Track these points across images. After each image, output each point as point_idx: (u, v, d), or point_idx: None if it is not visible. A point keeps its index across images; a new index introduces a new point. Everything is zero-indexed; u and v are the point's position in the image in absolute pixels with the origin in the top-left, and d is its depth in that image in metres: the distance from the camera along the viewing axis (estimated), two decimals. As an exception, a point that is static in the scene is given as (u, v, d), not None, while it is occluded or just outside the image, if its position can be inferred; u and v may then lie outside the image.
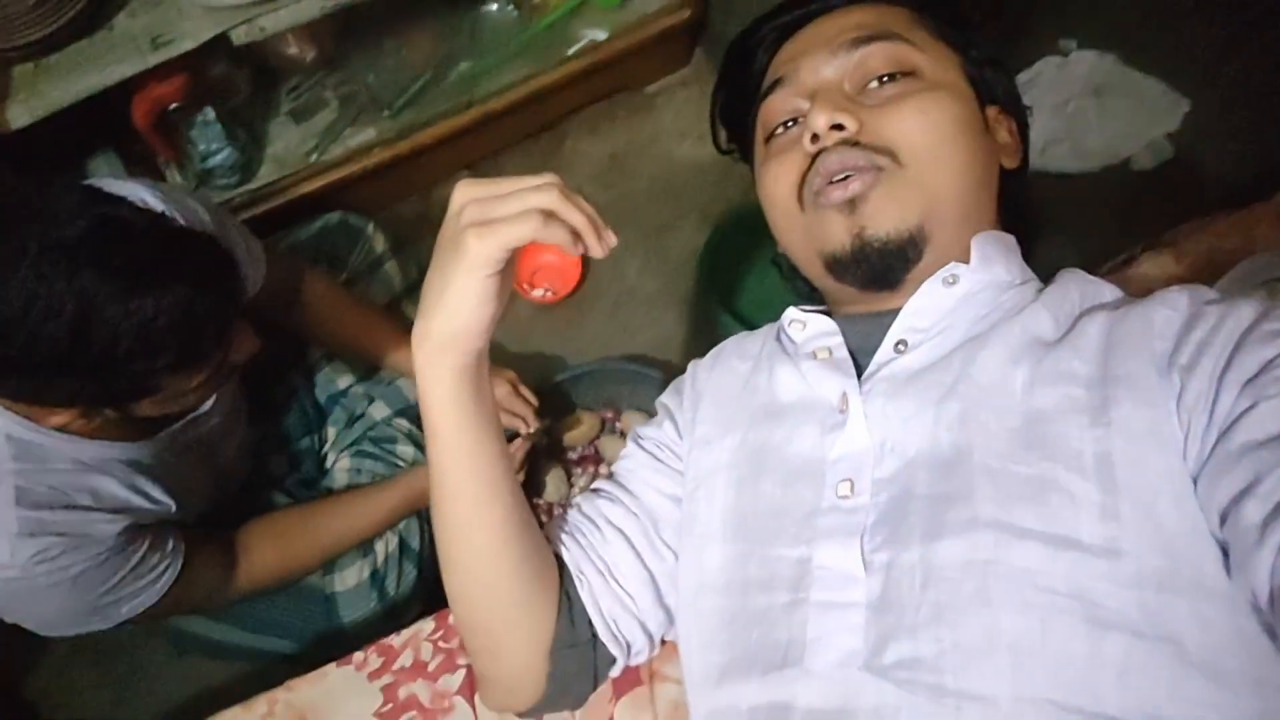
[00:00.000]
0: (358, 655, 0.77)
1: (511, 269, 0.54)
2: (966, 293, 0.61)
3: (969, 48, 0.68)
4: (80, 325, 0.69)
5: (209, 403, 0.96)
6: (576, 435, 1.34)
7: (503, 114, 1.59)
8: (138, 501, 0.89)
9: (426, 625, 0.79)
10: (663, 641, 0.70)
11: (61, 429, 0.80)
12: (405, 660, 0.77)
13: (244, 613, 1.09)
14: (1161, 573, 0.47)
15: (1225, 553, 0.47)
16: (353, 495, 1.13)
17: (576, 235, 0.51)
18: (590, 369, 1.38)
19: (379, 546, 1.15)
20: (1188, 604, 0.46)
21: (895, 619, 0.51)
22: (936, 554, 0.51)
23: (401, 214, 1.66)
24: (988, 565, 0.49)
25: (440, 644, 0.78)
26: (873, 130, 0.61)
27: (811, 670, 0.53)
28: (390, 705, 0.76)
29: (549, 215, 0.50)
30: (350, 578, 1.12)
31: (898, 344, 0.61)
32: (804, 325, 0.68)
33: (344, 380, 1.27)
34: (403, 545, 1.16)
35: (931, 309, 0.61)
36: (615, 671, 0.68)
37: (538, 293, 1.59)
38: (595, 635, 0.65)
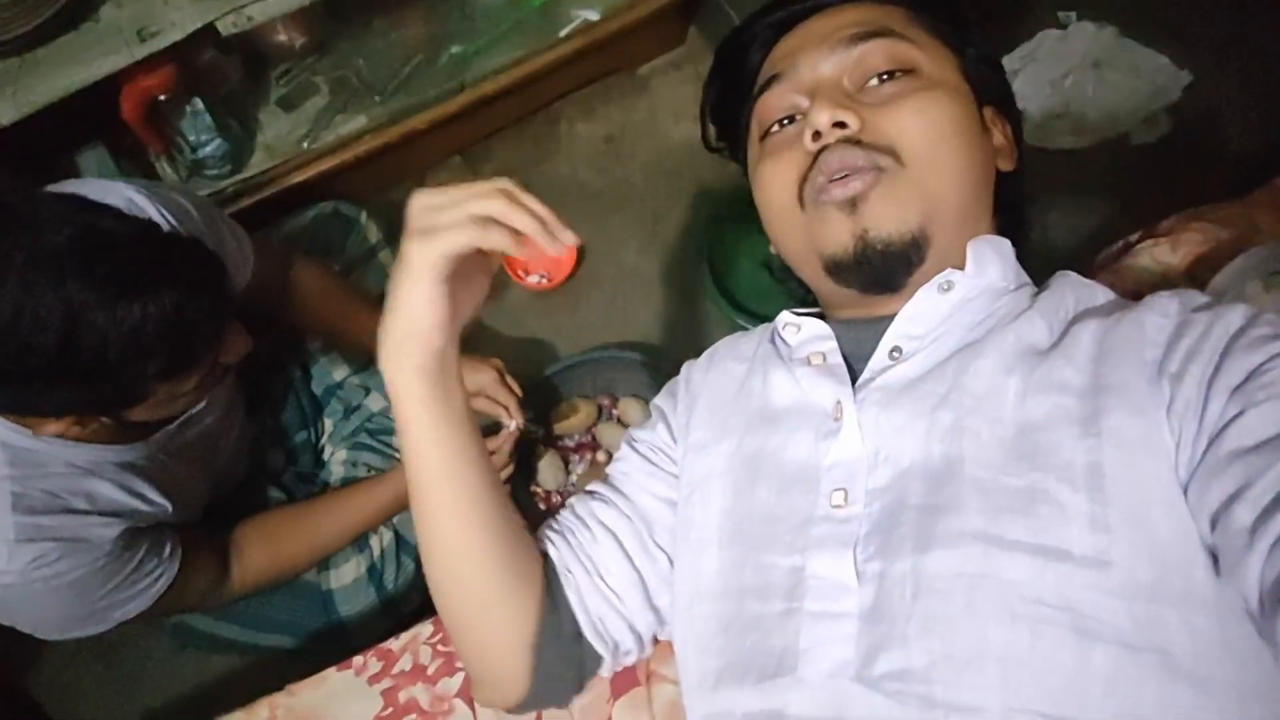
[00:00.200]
0: (357, 659, 0.78)
1: (478, 271, 0.59)
2: (961, 299, 0.60)
3: (965, 46, 0.67)
4: (69, 335, 0.69)
5: (203, 402, 0.96)
6: (573, 423, 1.35)
7: (495, 97, 1.58)
8: (134, 504, 0.89)
9: (425, 629, 0.79)
10: (655, 642, 0.71)
11: (57, 436, 0.80)
12: (404, 664, 0.78)
13: (242, 610, 1.10)
14: (1151, 583, 0.47)
15: (1215, 559, 0.47)
16: (345, 492, 1.13)
17: (522, 238, 0.54)
18: (585, 358, 1.38)
19: (374, 542, 1.16)
20: (1177, 614, 0.47)
21: (886, 630, 0.51)
22: (927, 565, 0.51)
23: (395, 201, 1.65)
24: (977, 577, 0.49)
25: (439, 648, 0.79)
26: (874, 128, 0.60)
27: (804, 680, 0.53)
28: (390, 709, 0.77)
29: (489, 221, 0.52)
30: (347, 574, 1.13)
31: (892, 351, 0.61)
32: (798, 329, 0.67)
33: (340, 372, 1.27)
34: (399, 539, 1.17)
35: (926, 316, 0.61)
36: (604, 671, 0.68)
37: (533, 279, 1.59)
38: (580, 632, 0.66)
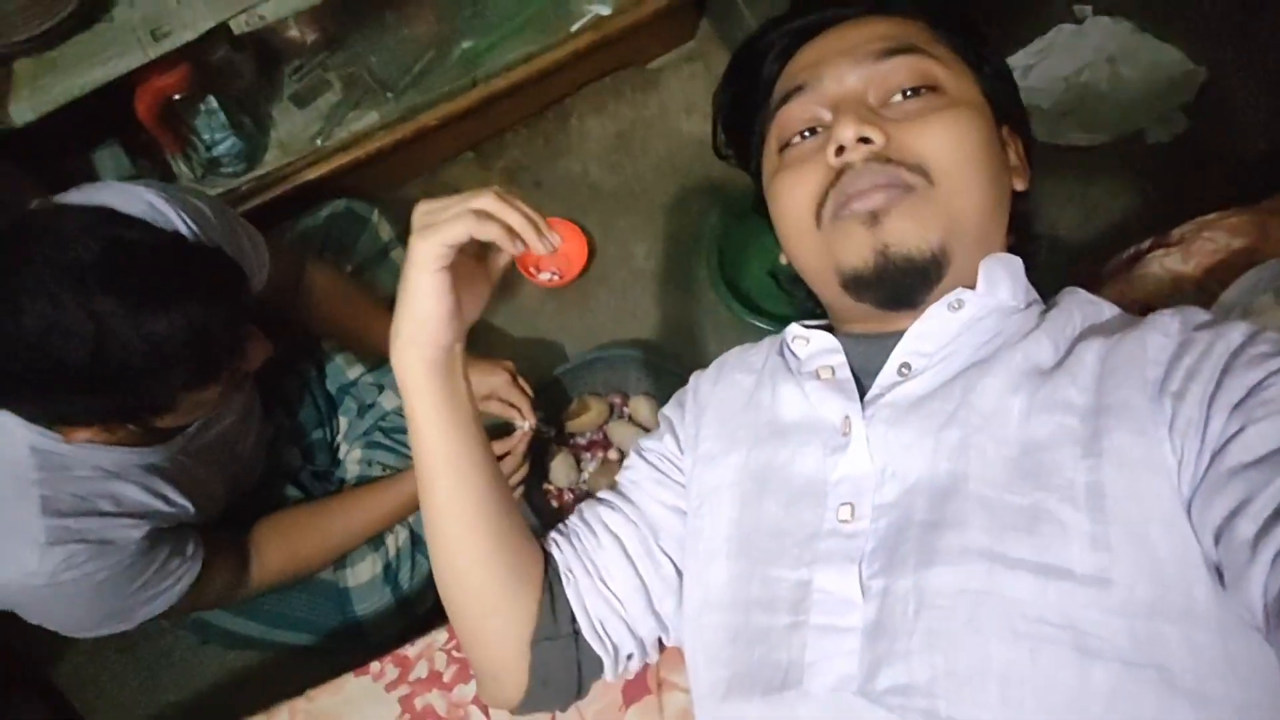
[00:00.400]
0: (374, 665, 0.80)
1: (481, 272, 0.64)
2: (971, 318, 0.61)
3: (983, 63, 0.67)
4: (97, 348, 0.71)
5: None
6: (585, 421, 1.36)
7: (506, 93, 1.58)
8: (157, 505, 0.91)
9: (440, 636, 0.81)
10: (661, 648, 0.71)
11: (85, 441, 0.81)
12: (421, 671, 0.79)
13: (260, 607, 1.12)
14: (1151, 600, 0.48)
15: (1220, 575, 0.48)
16: (361, 491, 1.15)
17: (514, 234, 0.58)
18: (596, 356, 1.39)
19: (390, 540, 1.17)
20: (1177, 631, 0.47)
21: (889, 645, 0.52)
22: (930, 582, 0.52)
23: (408, 197, 1.66)
24: (979, 595, 0.50)
25: (454, 654, 0.80)
26: (901, 145, 0.60)
27: (810, 693, 0.54)
28: (408, 716, 0.78)
29: (484, 215, 0.56)
30: (363, 572, 1.15)
31: (901, 367, 0.61)
32: (807, 341, 0.68)
33: (354, 370, 1.28)
34: (414, 537, 1.18)
35: (936, 334, 0.61)
36: (607, 675, 0.69)
37: (544, 276, 1.59)
38: (578, 633, 0.67)
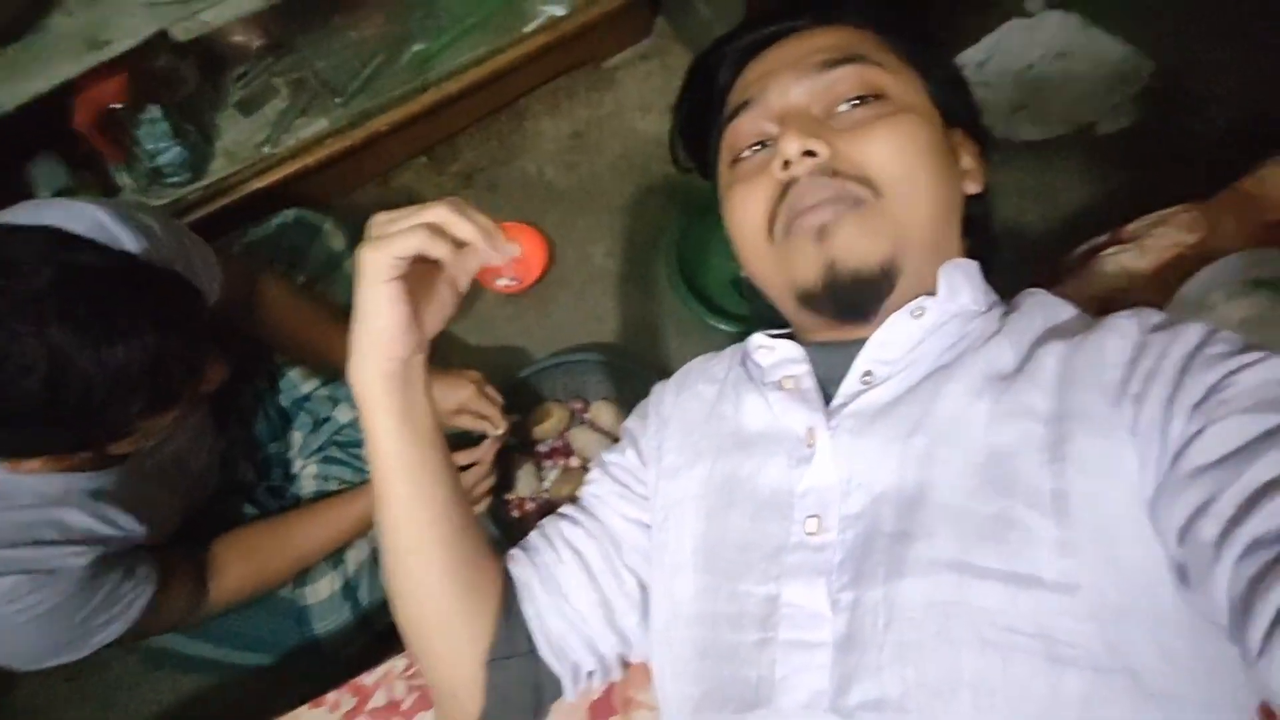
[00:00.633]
0: (331, 696, 0.77)
1: (443, 285, 0.61)
2: (933, 324, 0.60)
3: (932, 68, 0.67)
4: (53, 379, 0.69)
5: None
6: (546, 428, 1.34)
7: (460, 95, 1.55)
8: (106, 530, 0.88)
9: (399, 663, 0.79)
10: (624, 666, 0.70)
11: (33, 472, 0.79)
12: (379, 699, 0.77)
13: (216, 628, 1.09)
14: (1119, 604, 0.48)
15: (1184, 576, 0.48)
16: (321, 506, 1.12)
17: (465, 247, 0.57)
18: (556, 361, 1.37)
19: (350, 556, 1.15)
20: (1146, 634, 0.47)
21: (859, 659, 0.51)
22: (899, 593, 0.51)
23: (359, 203, 1.63)
24: (949, 605, 0.50)
25: (414, 682, 0.78)
26: (846, 156, 0.60)
27: (781, 711, 0.53)
28: (367, 746, 0.76)
29: (436, 229, 0.55)
30: (322, 589, 1.12)
31: (864, 375, 0.61)
32: (770, 350, 0.67)
33: (308, 384, 1.25)
34: (375, 553, 1.16)
35: (899, 341, 0.60)
36: (566, 695, 0.68)
37: (502, 281, 1.57)
38: (535, 651, 0.66)
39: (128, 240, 0.83)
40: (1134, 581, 0.48)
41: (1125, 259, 0.87)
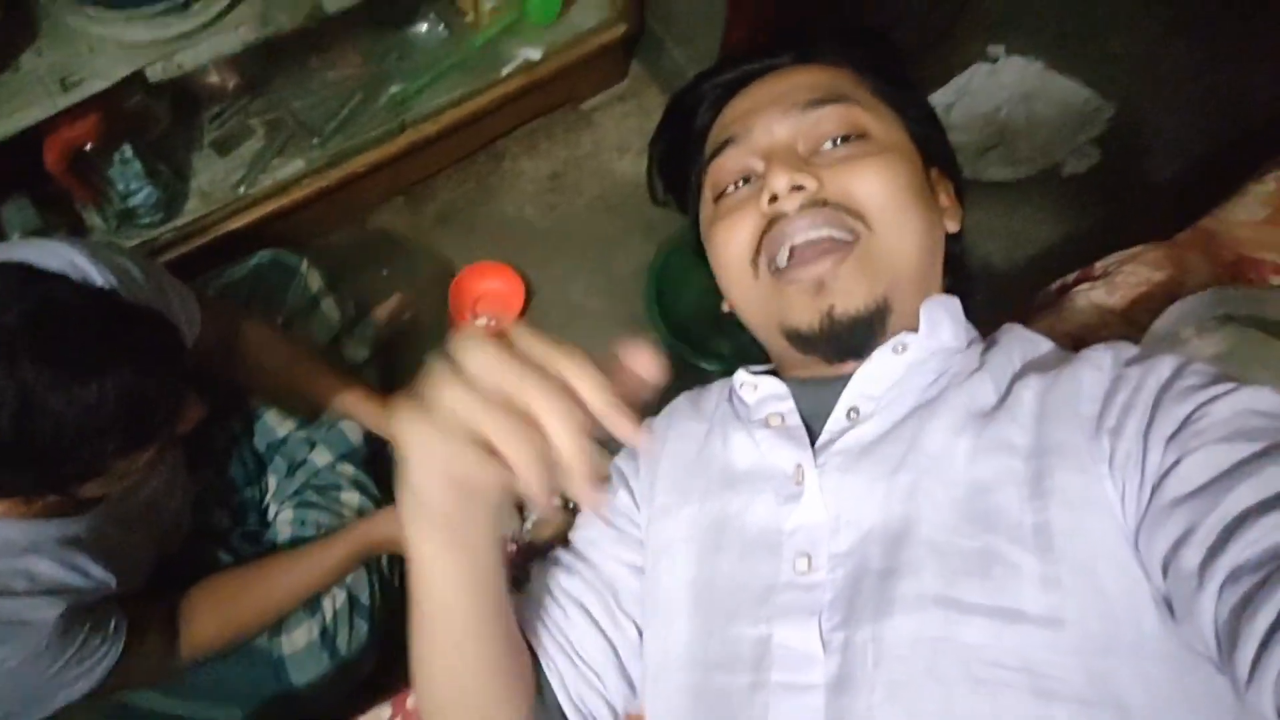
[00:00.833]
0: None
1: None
2: (915, 360, 0.61)
3: (909, 107, 0.68)
4: (23, 417, 0.67)
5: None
6: (527, 468, 1.32)
7: (437, 137, 1.56)
8: (77, 580, 0.85)
9: (384, 712, 0.77)
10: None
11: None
12: (365, 750, 0.76)
13: (189, 682, 1.05)
14: (1104, 637, 0.48)
15: (1170, 607, 0.48)
16: (296, 553, 1.10)
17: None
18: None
19: (326, 604, 1.12)
20: (1130, 666, 0.47)
21: (851, 701, 0.51)
22: (887, 631, 0.51)
23: (336, 244, 1.62)
24: (937, 642, 0.50)
25: (400, 730, 0.76)
26: (834, 188, 0.61)
27: None
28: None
29: (484, 451, 0.40)
30: (299, 639, 1.09)
31: (850, 412, 0.61)
32: (755, 388, 0.67)
33: (284, 427, 1.23)
34: (352, 600, 1.13)
35: (882, 377, 0.61)
36: None
37: (480, 321, 1.56)
38: (565, 717, 0.64)
39: (101, 279, 0.82)
40: (1117, 614, 0.48)
41: (1095, 296, 0.89)
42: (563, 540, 0.74)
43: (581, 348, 0.40)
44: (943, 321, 0.63)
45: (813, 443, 0.61)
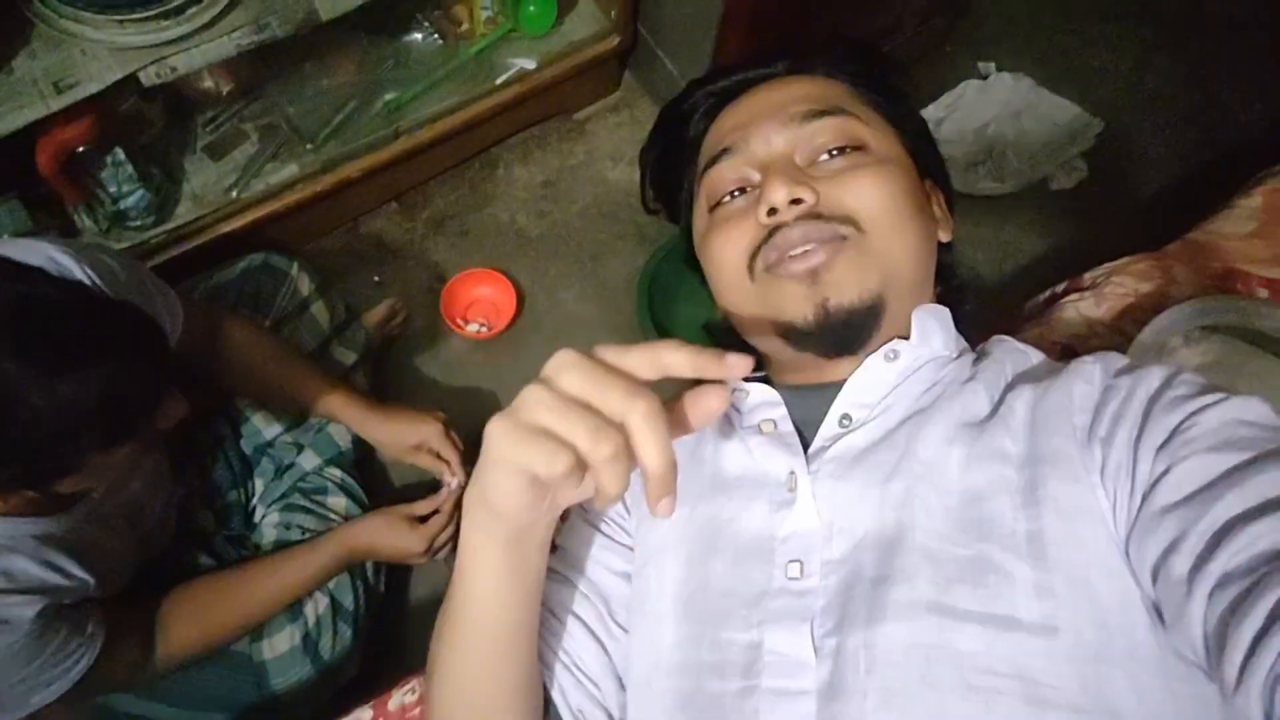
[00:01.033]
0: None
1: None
2: (907, 368, 0.61)
3: (902, 119, 0.69)
4: (1, 411, 0.66)
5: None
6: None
7: (431, 144, 1.56)
8: (54, 580, 0.84)
9: (365, 714, 0.76)
10: None
11: None
12: (346, 753, 0.75)
13: (169, 687, 1.04)
14: (1097, 645, 0.48)
15: (1160, 615, 0.49)
16: (279, 557, 1.09)
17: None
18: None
19: (309, 609, 1.11)
20: (1123, 674, 0.47)
21: (842, 706, 0.51)
22: (880, 638, 0.51)
23: (327, 248, 1.62)
24: (930, 649, 0.50)
25: (382, 732, 0.76)
26: (831, 201, 0.61)
27: None
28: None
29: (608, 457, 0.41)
30: (280, 644, 1.08)
31: (842, 419, 0.61)
32: (746, 394, 0.67)
33: (271, 430, 1.22)
34: (335, 605, 1.12)
35: (875, 384, 0.61)
36: None
37: (473, 328, 1.56)
38: None
39: (83, 277, 0.81)
40: (1110, 622, 0.49)
41: (1083, 306, 0.90)
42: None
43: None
44: (934, 329, 0.63)
45: (806, 450, 0.61)
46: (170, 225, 1.39)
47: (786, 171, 0.62)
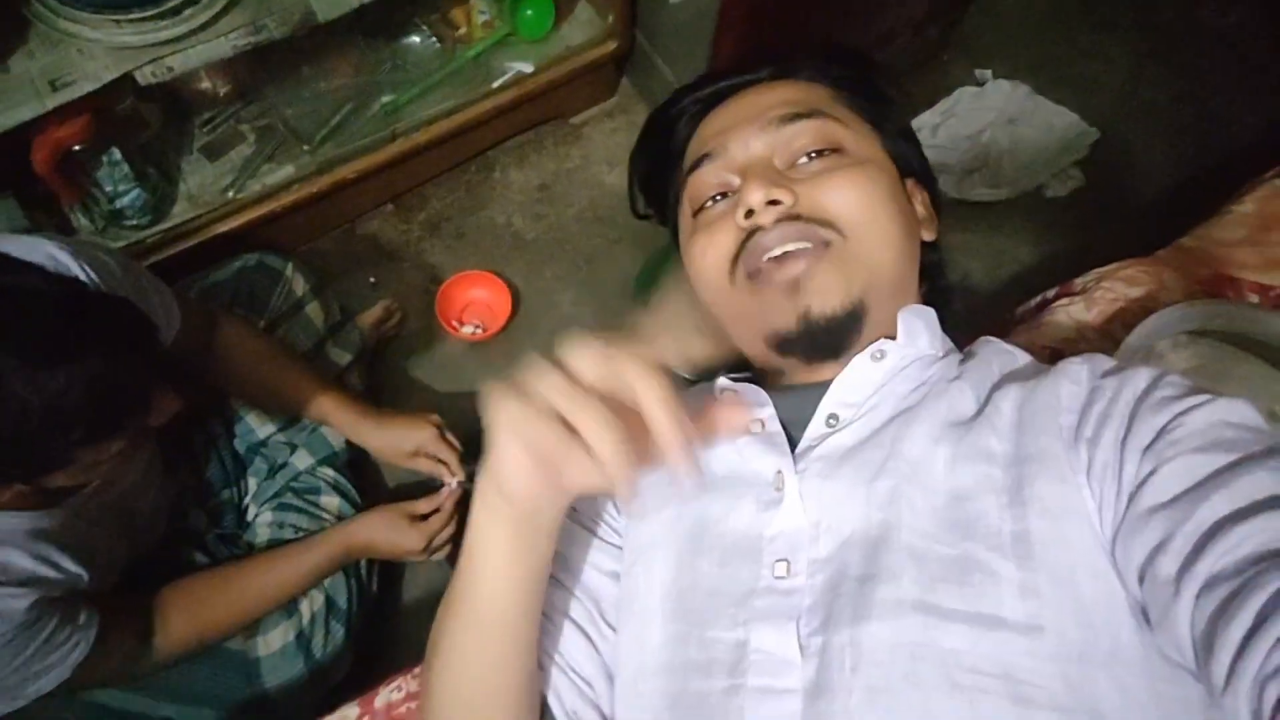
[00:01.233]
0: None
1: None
2: (893, 367, 0.62)
3: (884, 121, 0.69)
4: None
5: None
6: (510, 477, 1.32)
7: (428, 146, 1.57)
8: (47, 573, 0.84)
9: (351, 711, 0.76)
10: None
11: None
12: (333, 749, 0.75)
13: (161, 682, 1.04)
14: (1081, 645, 0.48)
15: (1146, 616, 0.49)
16: (275, 554, 1.09)
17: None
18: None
19: (304, 606, 1.11)
20: (1107, 674, 0.48)
21: (827, 705, 0.51)
22: (865, 636, 0.51)
23: (323, 249, 1.62)
24: (916, 647, 0.50)
25: (369, 730, 0.76)
26: (809, 203, 0.61)
27: None
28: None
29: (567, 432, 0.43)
30: (275, 641, 1.08)
31: (829, 418, 0.62)
32: (735, 395, 0.68)
33: (265, 429, 1.22)
34: (329, 604, 1.12)
35: (861, 384, 0.62)
36: None
37: (468, 330, 1.56)
38: None
39: (79, 274, 0.82)
40: (1095, 622, 0.49)
41: (1074, 311, 0.90)
42: None
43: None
44: (920, 330, 0.64)
45: (793, 449, 0.62)
46: (166, 225, 1.39)
47: (764, 174, 0.62)
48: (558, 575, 0.69)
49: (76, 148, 1.22)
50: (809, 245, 0.61)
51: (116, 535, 0.97)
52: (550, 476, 0.46)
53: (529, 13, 1.56)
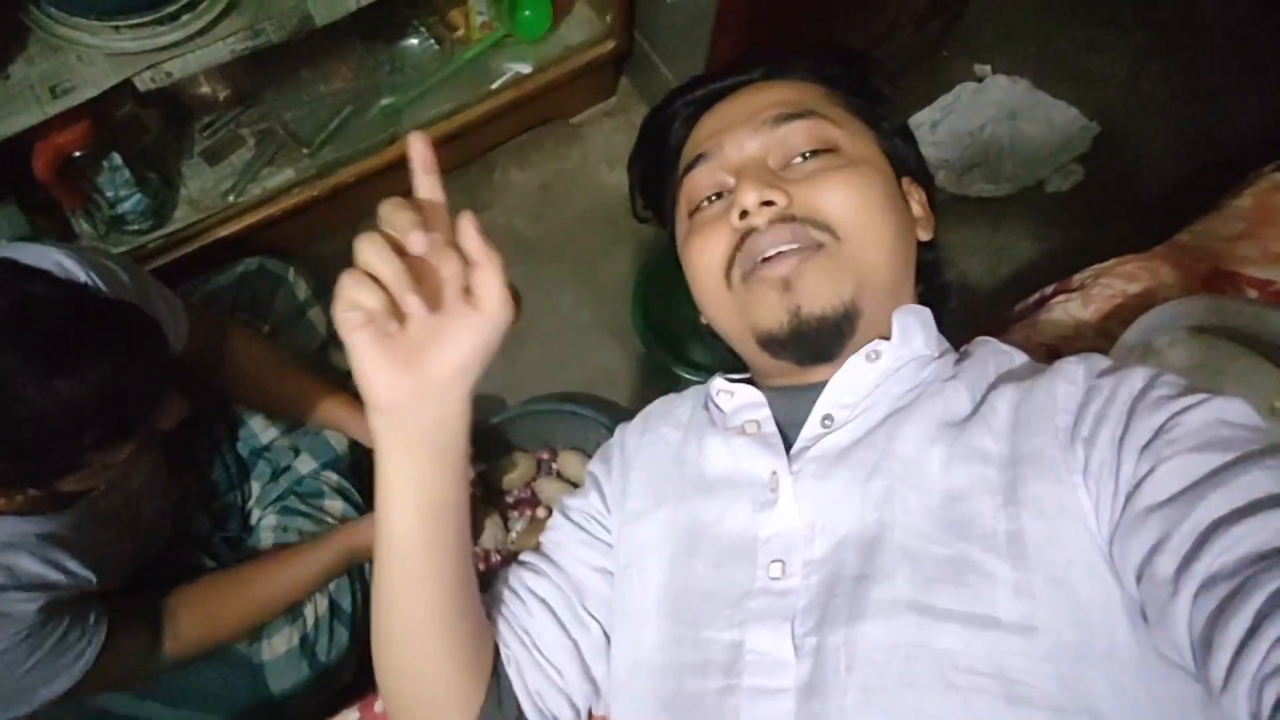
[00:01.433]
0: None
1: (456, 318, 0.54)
2: (888, 368, 0.62)
3: (880, 121, 0.69)
4: (2, 409, 0.67)
5: (129, 467, 0.92)
6: (513, 478, 1.33)
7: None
8: (55, 576, 0.85)
9: (351, 715, 0.77)
10: (590, 716, 0.69)
11: None
12: (333, 752, 0.75)
13: (166, 686, 1.04)
14: (1076, 645, 0.48)
15: (1144, 615, 0.49)
16: (281, 556, 1.09)
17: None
18: (524, 410, 1.37)
19: (308, 610, 1.12)
20: (1102, 674, 0.48)
21: (822, 705, 0.51)
22: (860, 636, 0.51)
23: (324, 253, 1.62)
24: (910, 647, 0.50)
25: (368, 733, 0.76)
26: (803, 203, 0.61)
27: None
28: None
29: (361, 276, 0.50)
30: (279, 645, 1.09)
31: (824, 419, 0.62)
32: (731, 395, 0.68)
33: (268, 434, 1.23)
34: (333, 607, 1.13)
35: (856, 384, 0.62)
36: None
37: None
38: (521, 713, 0.64)
39: (87, 281, 0.82)
40: (1090, 622, 0.49)
41: (1071, 308, 0.90)
42: None
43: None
44: (915, 330, 0.63)
45: (788, 450, 0.62)
46: (167, 229, 1.39)
47: (758, 175, 0.62)
48: (538, 564, 0.70)
49: (77, 154, 1.23)
50: (801, 246, 0.61)
51: (122, 538, 0.98)
52: (406, 365, 0.51)
53: (527, 13, 1.56)
